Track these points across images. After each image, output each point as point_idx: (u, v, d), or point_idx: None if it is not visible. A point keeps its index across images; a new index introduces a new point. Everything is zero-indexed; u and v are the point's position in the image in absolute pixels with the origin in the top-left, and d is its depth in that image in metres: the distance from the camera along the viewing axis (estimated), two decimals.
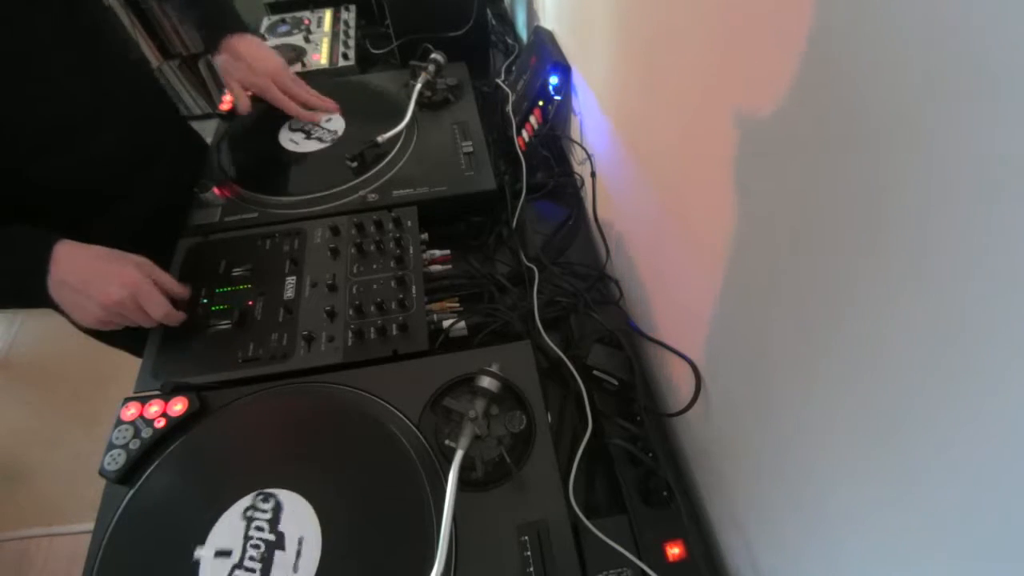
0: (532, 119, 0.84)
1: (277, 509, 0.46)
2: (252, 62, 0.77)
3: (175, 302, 0.59)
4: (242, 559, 0.44)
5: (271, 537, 0.45)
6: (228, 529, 0.45)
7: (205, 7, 0.77)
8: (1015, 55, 0.18)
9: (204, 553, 0.44)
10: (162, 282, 0.58)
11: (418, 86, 0.83)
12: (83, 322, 0.57)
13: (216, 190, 0.74)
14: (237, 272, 0.65)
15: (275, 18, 1.17)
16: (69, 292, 0.55)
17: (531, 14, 1.10)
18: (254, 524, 0.45)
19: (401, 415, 0.51)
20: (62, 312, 0.58)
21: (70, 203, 0.67)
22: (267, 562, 0.44)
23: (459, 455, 0.46)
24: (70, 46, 0.63)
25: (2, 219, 0.57)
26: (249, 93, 0.80)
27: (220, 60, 0.78)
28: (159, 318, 0.56)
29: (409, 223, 0.68)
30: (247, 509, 0.46)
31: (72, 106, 0.64)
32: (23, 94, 0.60)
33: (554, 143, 0.90)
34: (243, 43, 0.76)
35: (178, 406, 0.52)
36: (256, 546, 0.44)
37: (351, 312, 0.60)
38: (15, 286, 0.57)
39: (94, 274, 0.55)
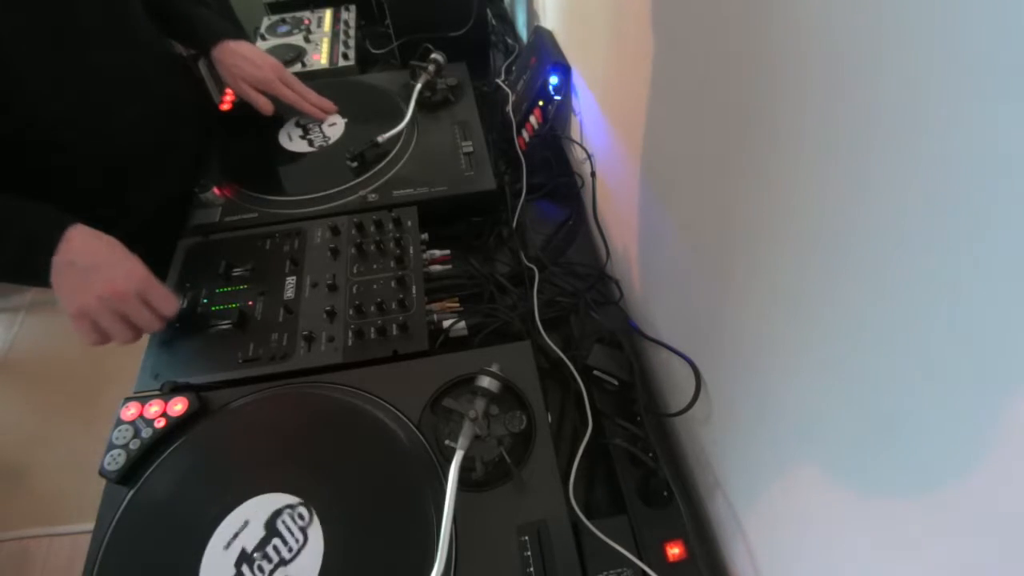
0: (532, 119, 0.84)
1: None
2: (253, 59, 0.78)
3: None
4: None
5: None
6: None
7: (206, 19, 0.79)
8: None
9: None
10: (155, 294, 0.57)
11: (418, 86, 0.83)
12: (70, 308, 0.55)
13: (216, 190, 0.74)
14: (237, 272, 0.65)
15: (275, 18, 1.17)
16: (73, 274, 0.53)
17: (531, 14, 1.10)
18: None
19: (401, 415, 0.51)
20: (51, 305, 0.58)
21: (97, 176, 0.68)
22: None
23: (459, 455, 0.46)
24: (106, 17, 0.64)
25: (31, 194, 0.57)
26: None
27: (222, 63, 0.78)
28: (165, 314, 0.56)
29: (409, 223, 0.68)
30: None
31: (106, 74, 0.65)
32: (60, 62, 0.60)
33: (554, 143, 0.90)
34: (241, 45, 0.78)
35: (178, 406, 0.52)
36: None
37: (351, 312, 0.60)
38: (19, 255, 0.56)
39: (105, 261, 0.55)
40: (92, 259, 0.54)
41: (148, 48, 0.73)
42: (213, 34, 0.78)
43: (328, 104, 0.83)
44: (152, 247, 0.62)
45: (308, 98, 0.81)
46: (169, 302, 0.57)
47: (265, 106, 0.80)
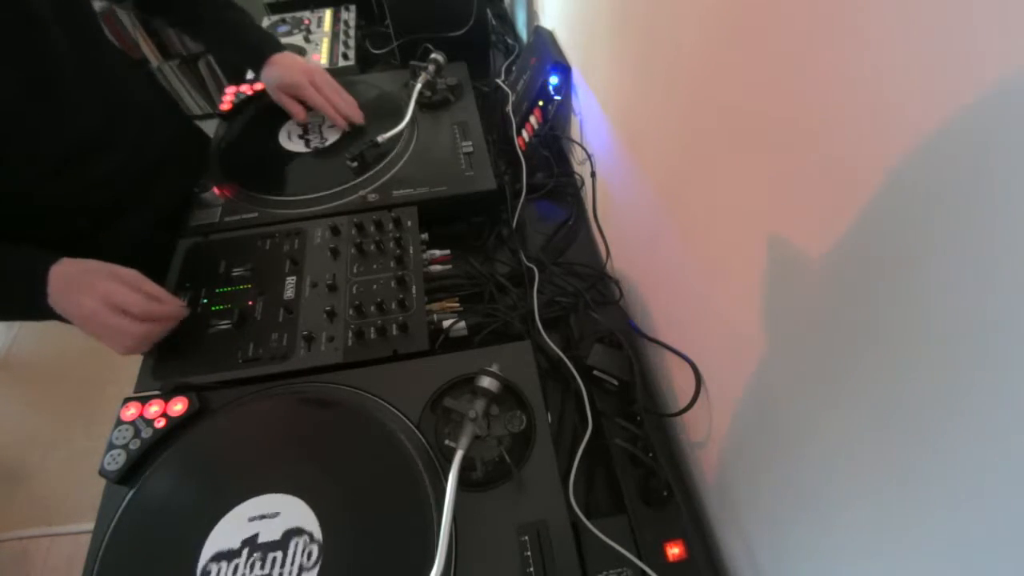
0: (532, 119, 0.84)
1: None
2: (288, 64, 0.80)
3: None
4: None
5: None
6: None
7: (243, 44, 0.81)
8: None
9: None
10: (149, 291, 0.58)
11: (418, 86, 0.83)
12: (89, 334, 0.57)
13: (216, 190, 0.74)
14: (237, 272, 0.65)
15: (275, 18, 1.17)
16: (63, 310, 0.56)
17: (531, 14, 1.10)
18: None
19: (401, 415, 0.51)
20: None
21: (82, 219, 0.68)
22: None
23: (459, 455, 0.46)
24: (81, 62, 0.63)
25: (9, 235, 0.58)
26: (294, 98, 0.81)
27: (264, 76, 0.81)
28: (142, 315, 0.55)
29: (409, 223, 0.68)
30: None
31: (85, 126, 0.65)
32: (39, 117, 0.60)
33: (554, 143, 0.90)
34: (282, 56, 0.80)
35: (178, 406, 0.52)
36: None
37: (351, 312, 0.60)
38: (22, 308, 0.59)
39: (72, 289, 0.56)
40: (66, 292, 0.56)
41: (125, 89, 0.72)
42: (260, 53, 0.80)
43: (355, 114, 0.81)
44: (151, 258, 0.63)
45: (335, 103, 0.80)
46: (162, 295, 0.57)
47: (298, 113, 0.81)
